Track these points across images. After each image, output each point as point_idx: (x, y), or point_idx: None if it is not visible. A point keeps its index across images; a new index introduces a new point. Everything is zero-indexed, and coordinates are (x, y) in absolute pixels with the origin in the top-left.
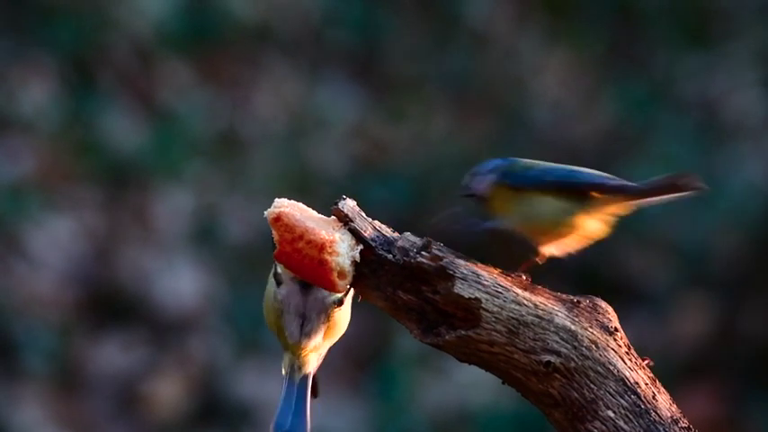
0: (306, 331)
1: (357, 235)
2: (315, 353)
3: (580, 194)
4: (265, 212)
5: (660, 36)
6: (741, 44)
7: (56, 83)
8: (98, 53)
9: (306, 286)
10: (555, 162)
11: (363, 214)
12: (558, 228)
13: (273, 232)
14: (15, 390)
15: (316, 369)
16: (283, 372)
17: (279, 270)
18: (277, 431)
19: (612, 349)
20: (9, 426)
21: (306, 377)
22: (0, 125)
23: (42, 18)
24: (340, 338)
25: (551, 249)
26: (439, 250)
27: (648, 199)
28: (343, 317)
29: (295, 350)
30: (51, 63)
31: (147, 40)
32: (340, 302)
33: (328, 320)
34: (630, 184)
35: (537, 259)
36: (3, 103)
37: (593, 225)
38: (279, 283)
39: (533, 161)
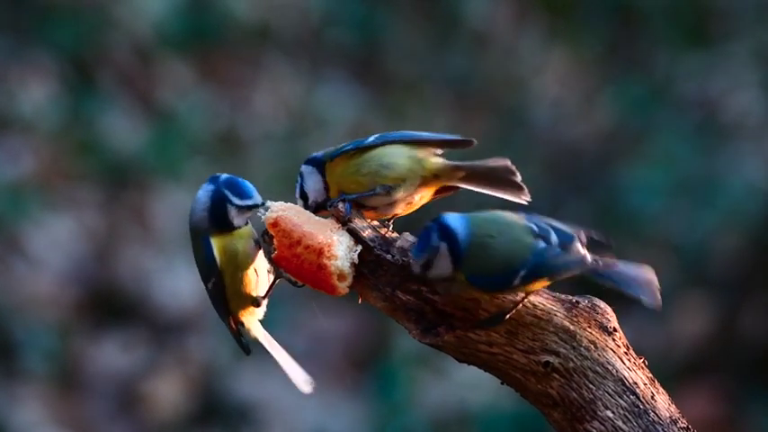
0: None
1: (356, 235)
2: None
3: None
4: (262, 217)
5: (660, 36)
6: (741, 44)
7: (56, 83)
8: (98, 53)
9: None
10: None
11: (362, 214)
12: (409, 167)
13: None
14: (15, 390)
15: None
16: (262, 336)
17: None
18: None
19: (611, 349)
20: (9, 426)
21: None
22: (0, 125)
23: (42, 18)
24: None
25: (407, 201)
26: None
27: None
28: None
29: (248, 313)
30: (51, 63)
31: (147, 40)
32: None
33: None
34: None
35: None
36: (3, 103)
37: (432, 167)
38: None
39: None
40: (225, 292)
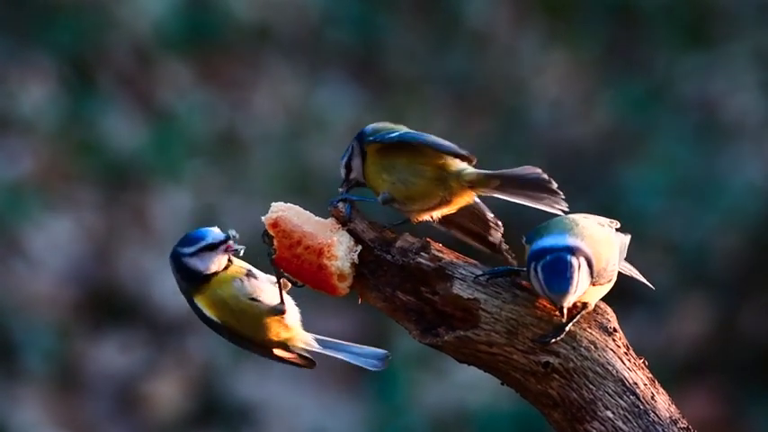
0: (280, 307)
1: (356, 236)
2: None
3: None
4: (263, 218)
5: (660, 36)
6: (741, 45)
7: (56, 83)
8: (98, 53)
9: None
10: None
11: (363, 215)
12: (427, 190)
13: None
14: (15, 390)
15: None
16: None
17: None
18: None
19: (611, 350)
20: (9, 426)
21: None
22: (0, 125)
23: (42, 18)
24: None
25: (422, 215)
26: (438, 251)
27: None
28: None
29: (284, 332)
30: (51, 63)
31: (147, 40)
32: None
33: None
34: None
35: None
36: (3, 103)
37: (456, 187)
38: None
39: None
40: (243, 335)
